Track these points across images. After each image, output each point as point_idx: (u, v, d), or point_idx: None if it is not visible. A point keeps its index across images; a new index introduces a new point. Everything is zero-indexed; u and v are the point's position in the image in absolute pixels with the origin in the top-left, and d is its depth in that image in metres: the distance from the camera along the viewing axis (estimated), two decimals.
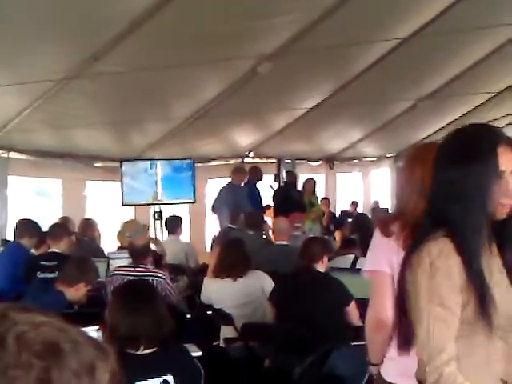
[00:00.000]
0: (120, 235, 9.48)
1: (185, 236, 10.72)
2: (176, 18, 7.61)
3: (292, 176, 13.49)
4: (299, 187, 13.51)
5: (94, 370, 1.10)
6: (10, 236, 9.06)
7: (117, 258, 7.85)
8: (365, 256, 7.34)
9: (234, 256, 6.32)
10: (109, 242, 10.12)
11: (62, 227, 7.92)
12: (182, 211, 12.48)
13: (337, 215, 15.52)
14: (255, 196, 12.02)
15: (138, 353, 3.42)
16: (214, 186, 12.97)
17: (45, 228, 7.89)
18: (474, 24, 10.09)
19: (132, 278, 5.92)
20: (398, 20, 10.03)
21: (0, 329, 1.08)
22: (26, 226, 7.71)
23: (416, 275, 2.35)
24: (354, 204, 16.40)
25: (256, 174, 12.34)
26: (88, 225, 9.65)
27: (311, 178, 13.41)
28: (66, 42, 7.67)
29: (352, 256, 7.22)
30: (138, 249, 6.46)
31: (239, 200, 11.07)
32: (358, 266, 7.02)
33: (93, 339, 1.14)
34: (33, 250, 7.70)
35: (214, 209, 11.66)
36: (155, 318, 3.46)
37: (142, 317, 3.43)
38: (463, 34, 10.31)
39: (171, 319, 3.56)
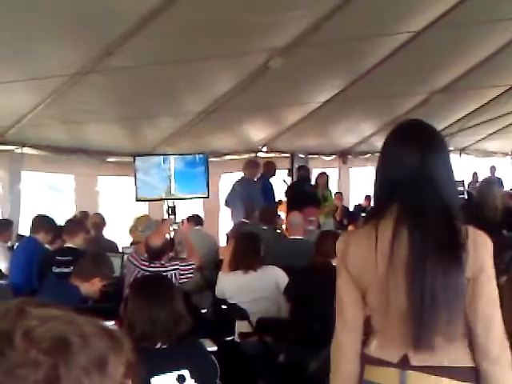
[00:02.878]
0: (133, 230, 9.49)
1: None
2: (188, 12, 7.60)
3: (304, 170, 13.43)
4: (312, 181, 13.46)
5: (106, 364, 1.07)
6: (23, 231, 9.10)
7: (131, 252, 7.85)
8: None
9: (247, 249, 6.31)
10: (122, 237, 10.13)
11: (77, 223, 7.94)
12: (196, 206, 12.50)
13: (350, 209, 15.48)
14: (269, 191, 12.01)
15: (155, 347, 3.42)
16: (227, 181, 12.96)
17: (58, 223, 7.93)
18: (487, 17, 10.03)
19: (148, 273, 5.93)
20: (411, 13, 9.98)
21: (7, 324, 1.06)
22: (43, 222, 7.73)
23: (489, 257, 2.53)
24: (368, 198, 16.32)
25: (270, 168, 12.33)
26: (99, 219, 9.67)
27: (324, 173, 13.36)
28: (79, 37, 7.67)
29: None
30: (154, 249, 6.40)
31: (252, 195, 11.06)
32: None
33: (106, 329, 1.12)
34: (47, 246, 7.72)
35: (227, 203, 11.67)
36: (173, 313, 3.46)
37: (159, 312, 3.43)
38: (477, 27, 10.25)
39: (188, 315, 3.56)
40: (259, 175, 12.12)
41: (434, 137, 2.68)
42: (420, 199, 2.53)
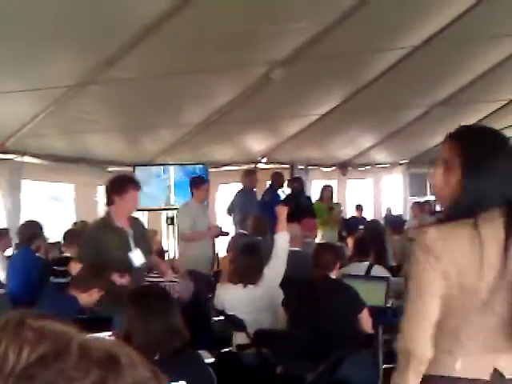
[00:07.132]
0: None
1: None
2: (189, 24, 7.63)
3: (298, 182, 13.31)
4: (314, 194, 13.43)
5: None
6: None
7: None
8: (378, 263, 7.34)
9: (249, 263, 6.28)
10: None
11: (76, 232, 7.94)
12: None
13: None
14: (277, 203, 11.95)
15: (154, 359, 3.41)
16: (224, 192, 12.97)
17: (59, 233, 7.93)
18: (486, 32, 10.11)
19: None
20: (411, 27, 10.02)
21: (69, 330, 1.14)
22: (32, 231, 7.79)
23: None
24: (360, 208, 16.24)
25: (278, 180, 12.32)
26: None
27: (329, 185, 13.35)
28: (80, 48, 7.70)
29: (367, 263, 7.17)
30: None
31: (249, 206, 11.02)
32: (372, 274, 7.00)
33: (148, 363, 1.17)
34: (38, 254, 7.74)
35: (229, 212, 11.65)
36: (168, 326, 3.46)
37: (157, 324, 3.42)
38: (476, 41, 10.32)
39: (185, 328, 3.56)
40: (268, 187, 12.12)
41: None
42: None
